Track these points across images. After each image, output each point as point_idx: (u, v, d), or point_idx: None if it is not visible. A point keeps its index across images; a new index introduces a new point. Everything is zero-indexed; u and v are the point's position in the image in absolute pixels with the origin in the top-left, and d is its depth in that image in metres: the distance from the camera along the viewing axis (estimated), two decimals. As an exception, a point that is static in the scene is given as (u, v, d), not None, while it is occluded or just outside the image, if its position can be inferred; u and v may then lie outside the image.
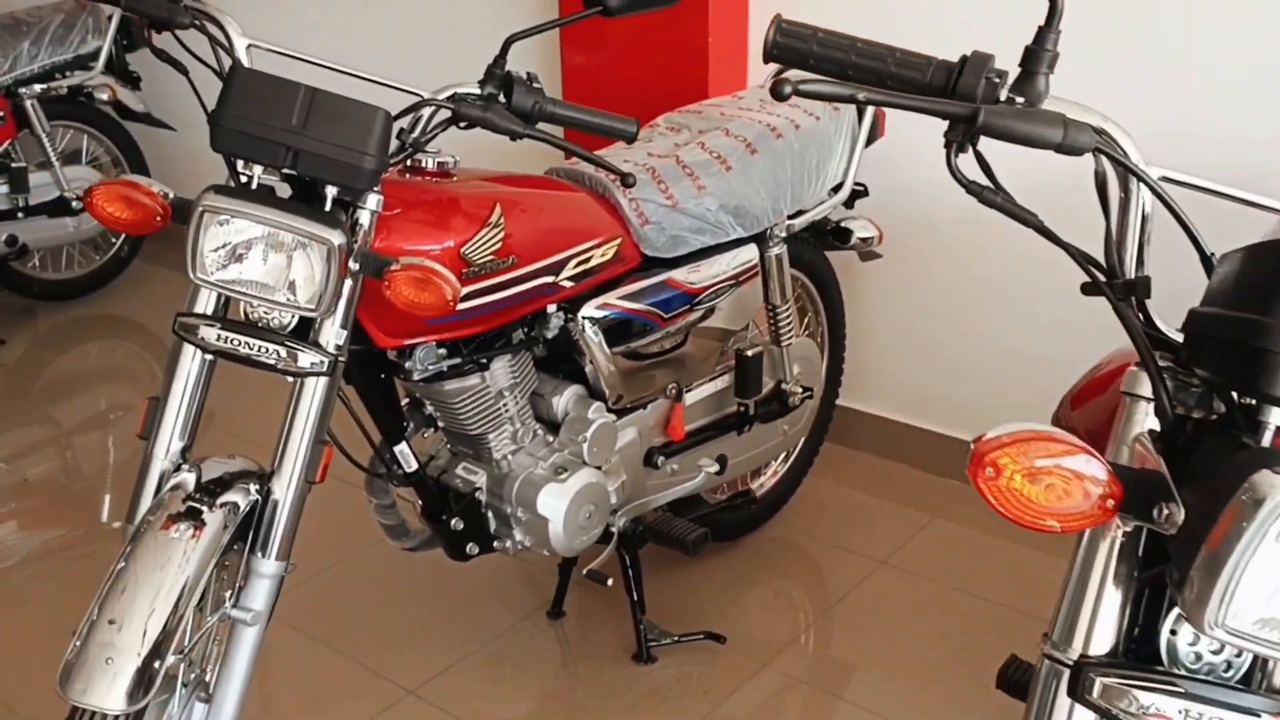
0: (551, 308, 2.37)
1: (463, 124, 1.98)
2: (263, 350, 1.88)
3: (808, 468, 3.29)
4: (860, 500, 3.41)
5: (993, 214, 3.23)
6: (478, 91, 1.99)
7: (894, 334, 3.49)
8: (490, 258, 2.14)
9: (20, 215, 4.44)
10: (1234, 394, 1.23)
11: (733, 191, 2.59)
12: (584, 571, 2.59)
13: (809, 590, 3.03)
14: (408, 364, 2.20)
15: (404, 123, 1.99)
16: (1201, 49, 2.80)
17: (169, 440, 1.95)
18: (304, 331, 1.91)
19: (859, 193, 2.98)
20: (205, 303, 1.95)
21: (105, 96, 4.52)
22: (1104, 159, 1.26)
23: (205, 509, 1.81)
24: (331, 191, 1.85)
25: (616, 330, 2.53)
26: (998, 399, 3.35)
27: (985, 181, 1.27)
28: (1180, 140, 2.78)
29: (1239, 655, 1.31)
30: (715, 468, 2.75)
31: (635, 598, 2.72)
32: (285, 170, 1.83)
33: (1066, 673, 1.33)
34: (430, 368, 2.23)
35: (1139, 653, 1.32)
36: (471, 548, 2.45)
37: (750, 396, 2.78)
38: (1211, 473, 1.14)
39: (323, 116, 1.79)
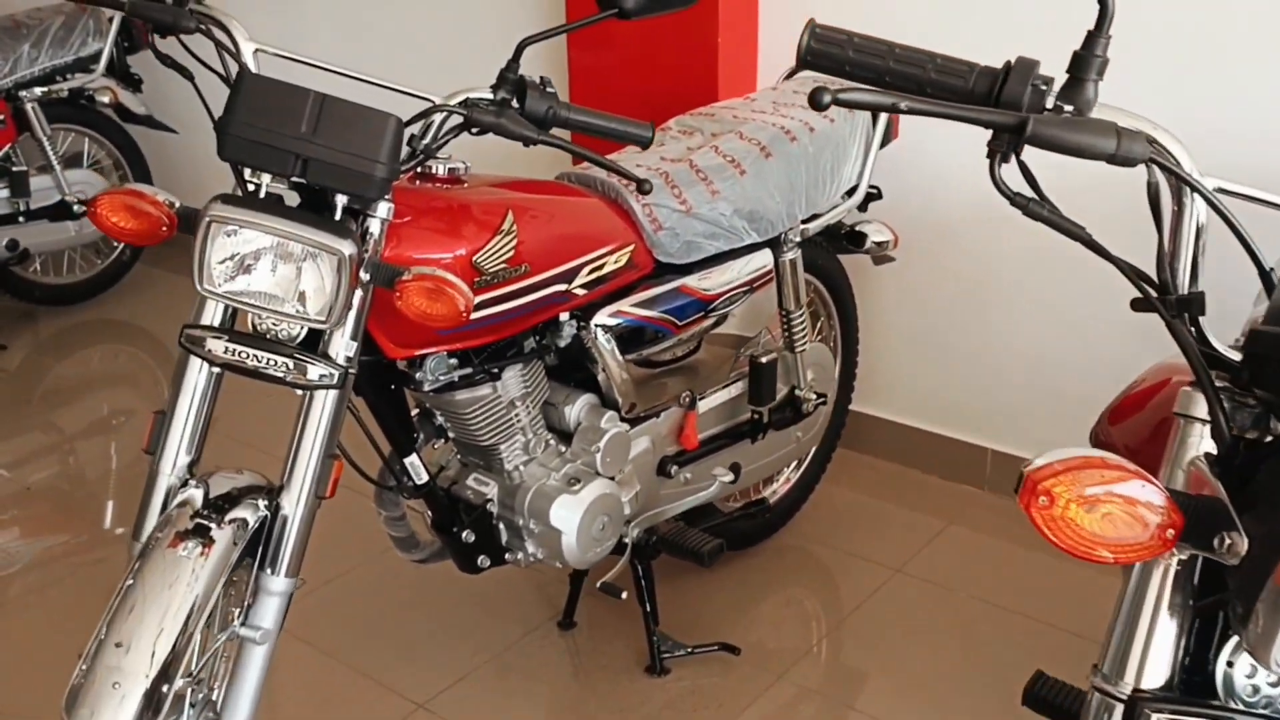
0: (564, 316, 2.33)
1: (475, 130, 1.93)
2: (271, 363, 1.84)
3: (820, 474, 3.25)
4: (874, 506, 3.36)
5: (1007, 215, 3.19)
6: (490, 96, 1.94)
7: (907, 338, 3.44)
8: (503, 266, 2.10)
9: (21, 219, 4.40)
10: None
11: (747, 196, 2.54)
12: (598, 584, 2.54)
13: (823, 599, 2.98)
14: (418, 374, 2.16)
15: (415, 129, 1.94)
16: (1232, 49, 2.75)
17: (175, 455, 1.91)
18: (313, 343, 1.87)
19: (873, 195, 2.93)
20: (212, 314, 1.91)
21: (106, 99, 4.48)
22: (1157, 170, 1.21)
23: (214, 526, 1.77)
24: (342, 200, 1.81)
25: (629, 337, 2.49)
26: (1012, 403, 3.31)
27: (1030, 193, 1.21)
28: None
29: None
30: (729, 477, 2.71)
31: (648, 609, 2.67)
32: (294, 179, 1.78)
33: (1119, 707, 1.28)
34: (441, 378, 2.18)
35: (1190, 682, 1.27)
36: (483, 560, 2.40)
37: (764, 404, 2.74)
38: (1277, 500, 1.09)
39: (333, 123, 1.75)
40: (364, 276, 1.83)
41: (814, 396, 2.89)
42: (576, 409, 2.43)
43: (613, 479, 2.41)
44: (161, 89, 4.67)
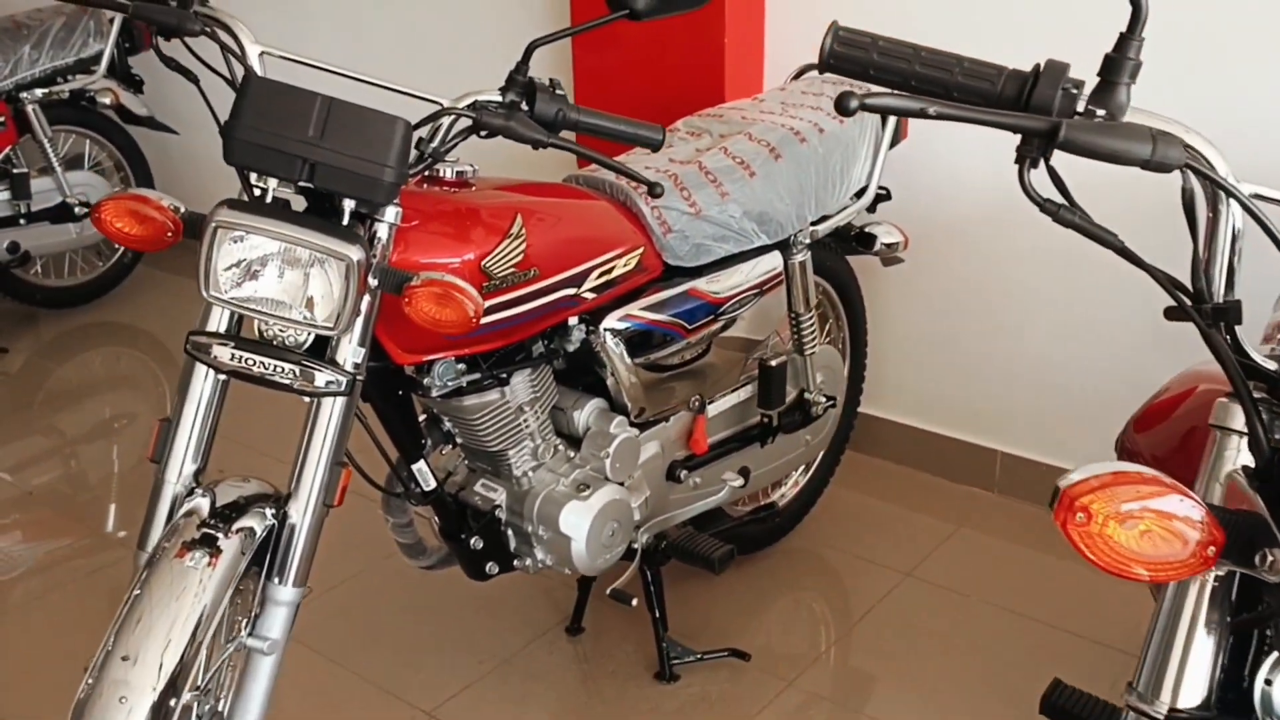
0: (573, 320, 2.30)
1: (484, 133, 1.91)
2: (278, 370, 1.81)
3: (829, 477, 3.22)
4: (883, 509, 3.34)
5: (1017, 216, 3.18)
6: (499, 99, 1.92)
7: (915, 339, 3.42)
8: (512, 270, 2.07)
9: (22, 221, 4.38)
10: None
11: (756, 198, 2.51)
12: (607, 591, 2.51)
13: (833, 604, 2.96)
14: (426, 380, 2.13)
15: (423, 132, 1.92)
16: (1233, 49, 2.73)
17: (181, 463, 1.89)
18: (320, 349, 1.84)
19: (882, 196, 2.91)
20: (217, 320, 1.88)
21: (108, 100, 4.46)
22: (1191, 175, 1.18)
23: (221, 536, 1.75)
24: (349, 205, 1.78)
25: (637, 341, 2.46)
26: (1022, 405, 3.28)
27: (1059, 199, 1.19)
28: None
29: None
30: (739, 481, 2.68)
31: (657, 615, 2.65)
32: (301, 183, 1.76)
33: None
34: (449, 383, 2.16)
35: (1226, 700, 1.24)
36: (491, 567, 2.38)
37: (774, 407, 2.71)
38: None
39: (341, 127, 1.72)
40: (372, 282, 1.81)
41: (823, 399, 2.87)
42: (585, 414, 2.40)
43: (622, 484, 2.39)
44: (162, 90, 4.64)
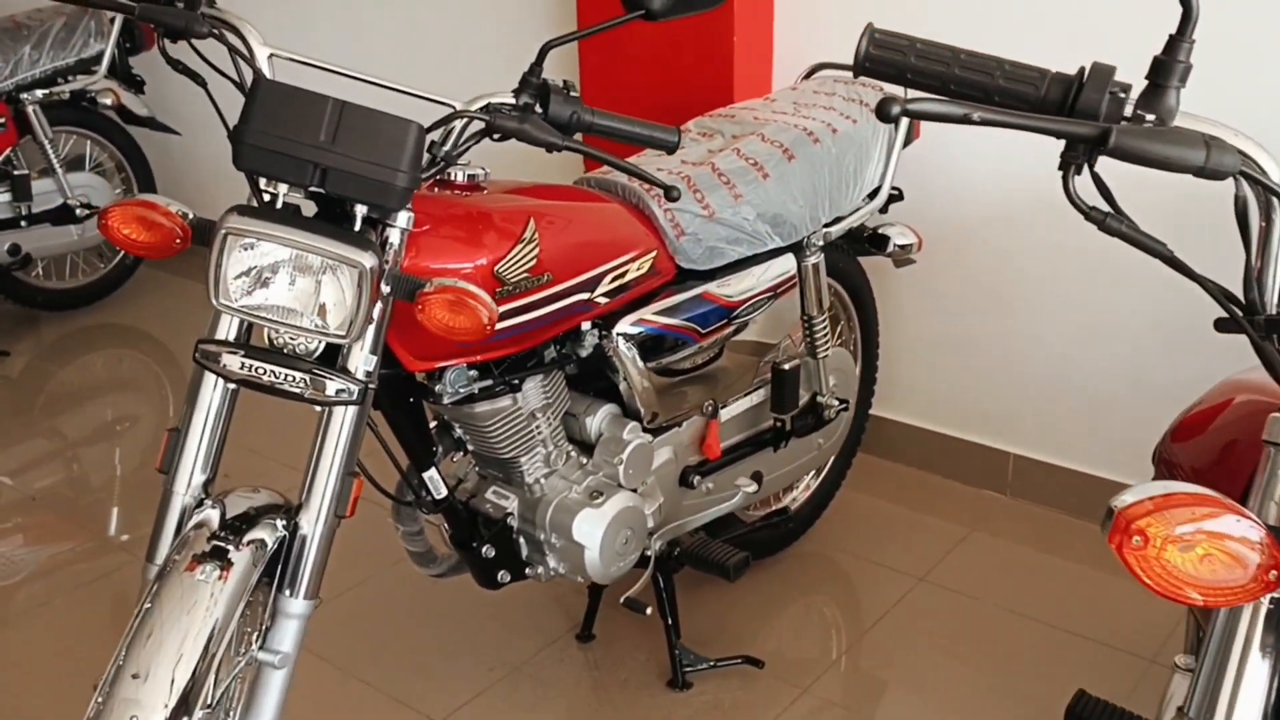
0: (586, 325, 2.26)
1: (497, 136, 1.87)
2: (288, 379, 1.77)
3: (841, 480, 3.19)
4: (895, 513, 3.31)
5: (1030, 217, 3.14)
6: (512, 101, 1.88)
7: (927, 340, 3.38)
8: (525, 276, 2.04)
9: (23, 224, 4.35)
10: None
11: (770, 200, 2.48)
12: (621, 600, 2.48)
13: (846, 610, 2.92)
14: (437, 387, 2.10)
15: (435, 135, 1.88)
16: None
17: (190, 474, 1.85)
18: (331, 357, 1.81)
19: (894, 197, 2.87)
20: (226, 328, 1.84)
21: (109, 101, 4.42)
22: (1244, 183, 1.15)
23: (232, 548, 1.71)
24: (361, 210, 1.74)
25: (649, 345, 2.43)
26: (1035, 407, 3.25)
27: (1105, 207, 1.15)
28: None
29: None
30: (753, 487, 2.65)
31: (670, 622, 2.61)
32: (312, 188, 1.72)
33: None
34: (461, 390, 2.12)
35: (1275, 723, 1.21)
36: (503, 575, 2.34)
37: (787, 411, 2.68)
38: None
39: (353, 131, 1.68)
40: (384, 289, 1.77)
41: (836, 403, 2.84)
42: (598, 420, 2.37)
43: (635, 491, 2.35)
44: (164, 90, 4.61)
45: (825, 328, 2.73)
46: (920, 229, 2.96)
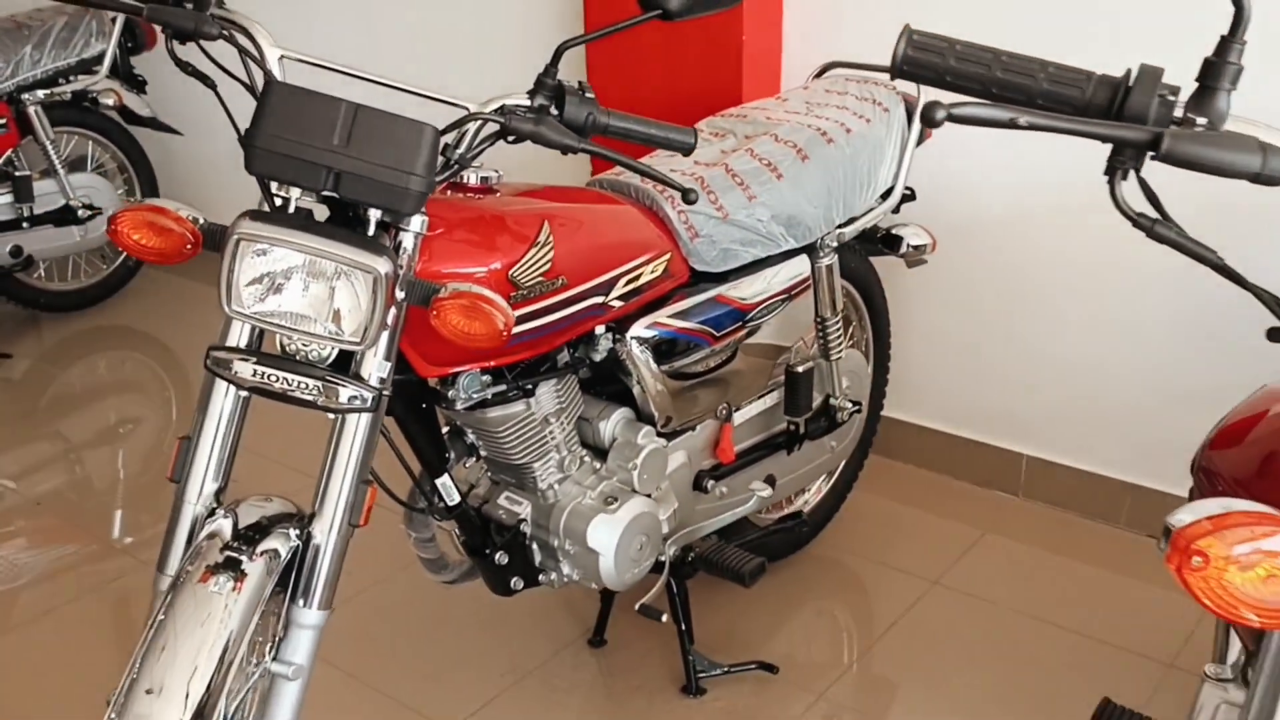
0: (599, 329, 2.23)
1: (511, 138, 1.84)
2: (301, 386, 1.74)
3: (852, 483, 3.16)
4: (907, 515, 3.28)
5: (1043, 216, 3.11)
6: (527, 103, 1.84)
7: (939, 341, 3.36)
8: (539, 279, 2.01)
9: (25, 225, 4.31)
10: None
11: (784, 200, 2.45)
12: (635, 607, 2.45)
13: (860, 614, 2.90)
14: (450, 393, 2.07)
15: (448, 138, 1.84)
16: None
17: (201, 483, 1.82)
18: (344, 364, 1.78)
19: (907, 197, 2.84)
20: (238, 335, 1.81)
21: (110, 101, 4.39)
22: None
23: (245, 558, 1.68)
24: (375, 215, 1.71)
25: (663, 349, 2.40)
26: (1048, 408, 3.22)
27: (1153, 213, 1.12)
28: None
29: None
30: (768, 491, 2.62)
31: (683, 627, 2.58)
32: (325, 192, 1.69)
33: None
34: (474, 396, 2.09)
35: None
36: (516, 582, 2.32)
37: (801, 414, 2.65)
38: None
39: (367, 135, 1.65)
40: (399, 294, 1.74)
41: (849, 405, 2.81)
42: (611, 424, 2.34)
43: (650, 496, 2.33)
44: (166, 90, 4.58)
45: (839, 329, 2.70)
46: (932, 229, 2.93)
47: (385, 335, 1.76)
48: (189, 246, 1.79)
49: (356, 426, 1.78)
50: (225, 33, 1.85)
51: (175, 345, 4.57)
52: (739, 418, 2.57)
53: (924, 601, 2.91)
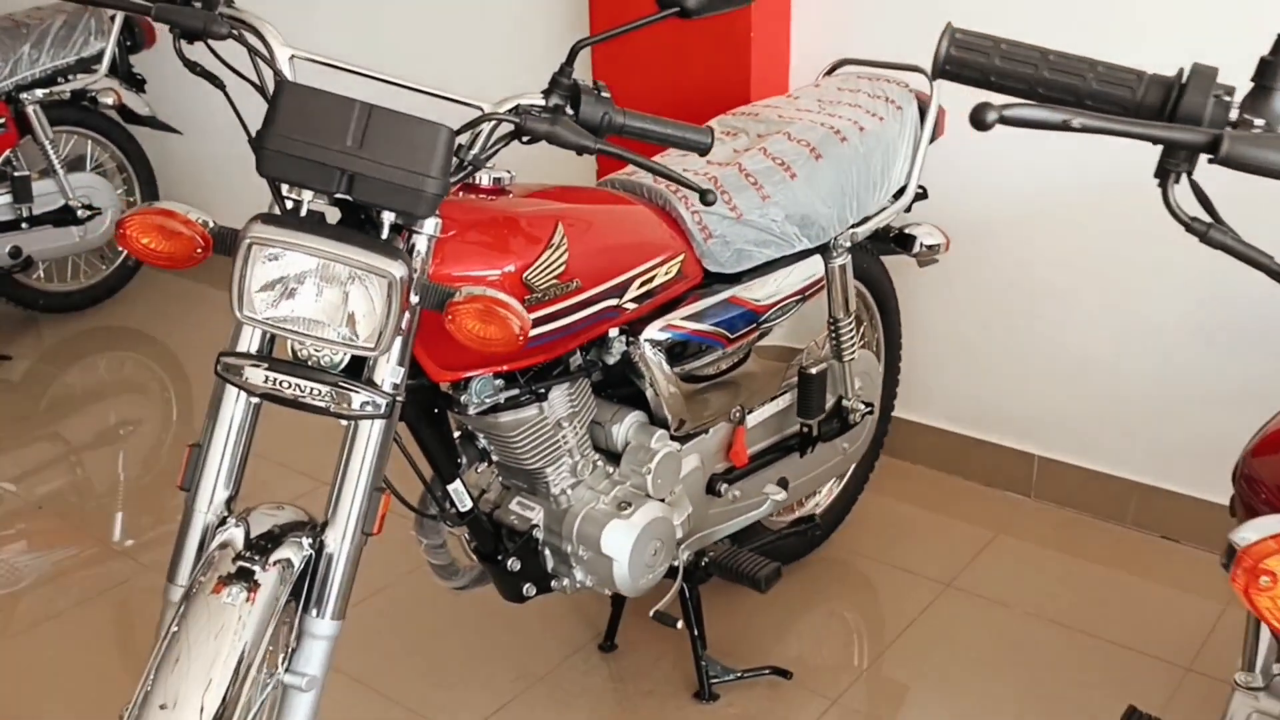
0: (613, 332, 2.20)
1: (526, 139, 1.80)
2: (313, 392, 1.71)
3: (863, 484, 3.13)
4: (919, 516, 3.25)
5: (1056, 214, 3.08)
6: (542, 103, 1.81)
7: (950, 341, 3.33)
8: (554, 282, 1.98)
9: (24, 225, 4.27)
10: None
11: (798, 200, 2.42)
12: (650, 613, 2.42)
13: (873, 617, 2.87)
14: (463, 397, 2.04)
15: (462, 139, 1.81)
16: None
17: (212, 491, 1.78)
18: (356, 369, 1.75)
19: (919, 195, 2.81)
20: (248, 340, 1.78)
21: (110, 100, 4.35)
22: None
23: (258, 569, 1.65)
24: (389, 218, 1.68)
25: (676, 351, 2.37)
26: (1059, 408, 3.20)
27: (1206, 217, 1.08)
28: None
29: None
30: (782, 494, 2.59)
31: (696, 633, 2.55)
32: (338, 195, 1.65)
33: None
34: (487, 400, 2.06)
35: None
36: (528, 589, 2.28)
37: (814, 416, 2.62)
38: None
39: (381, 136, 1.62)
40: (413, 299, 1.71)
41: (862, 406, 2.78)
42: (624, 428, 2.31)
43: (663, 501, 2.29)
44: (165, 89, 4.54)
45: (852, 330, 2.67)
46: (942, 226, 2.90)
47: (399, 340, 1.72)
48: (199, 250, 1.75)
49: (369, 433, 1.75)
50: (234, 32, 1.81)
51: (175, 346, 4.54)
52: (752, 420, 2.54)
53: (937, 604, 2.88)
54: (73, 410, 4.05)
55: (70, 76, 4.28)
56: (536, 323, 1.96)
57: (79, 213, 4.36)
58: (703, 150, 1.85)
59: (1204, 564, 2.99)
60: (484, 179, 1.98)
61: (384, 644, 2.77)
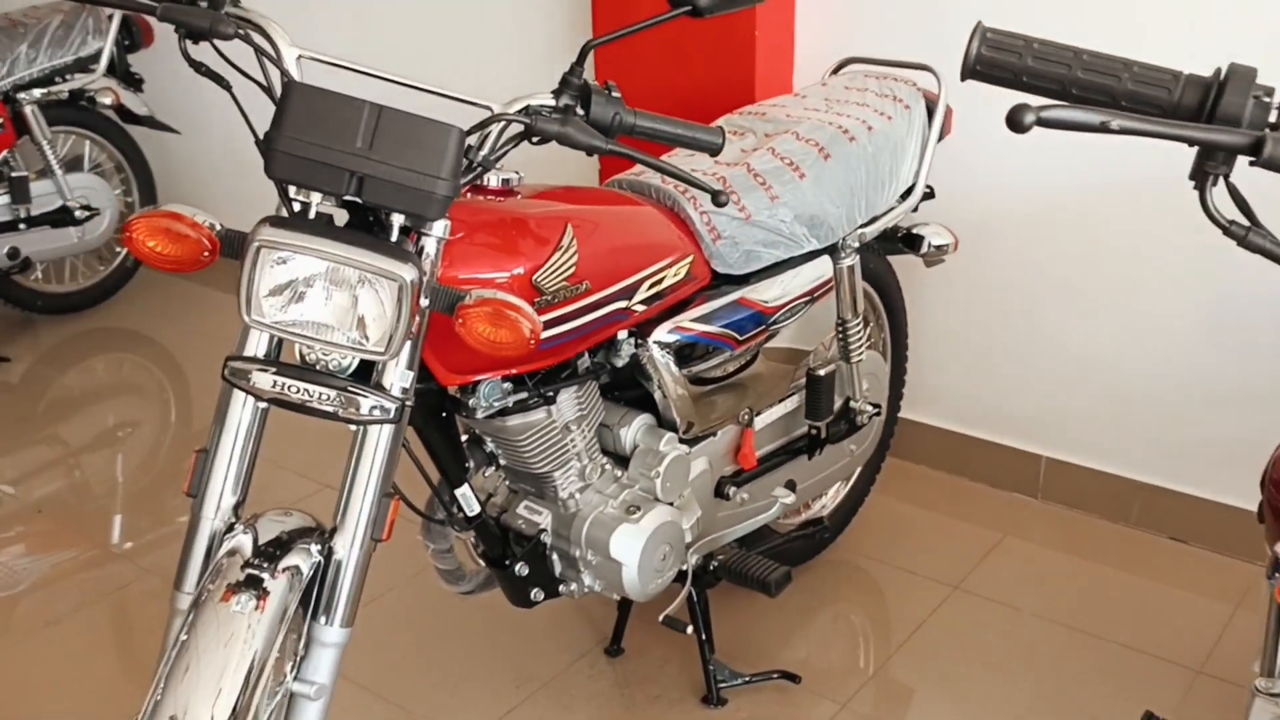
0: (622, 334, 2.18)
1: (536, 139, 1.78)
2: (322, 396, 1.68)
3: (870, 486, 3.11)
4: (925, 517, 3.23)
5: (1062, 213, 3.06)
6: (552, 103, 1.79)
7: (955, 341, 3.31)
8: (564, 284, 1.95)
9: (22, 226, 4.25)
10: None
11: (807, 201, 2.40)
12: (660, 619, 2.40)
13: (882, 620, 2.85)
14: (470, 401, 2.01)
15: (471, 139, 1.78)
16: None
17: (219, 497, 1.75)
18: (365, 373, 1.72)
19: (926, 195, 2.79)
20: (256, 344, 1.75)
21: (108, 100, 4.33)
22: None
23: (267, 576, 1.62)
24: (398, 220, 1.65)
25: (683, 352, 2.35)
26: (1066, 408, 3.18)
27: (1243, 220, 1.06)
28: None
29: None
30: (791, 497, 2.57)
31: (704, 637, 2.53)
32: (346, 197, 1.63)
33: None
34: (495, 404, 2.04)
35: None
36: (536, 594, 2.26)
37: (822, 418, 2.60)
38: None
39: (391, 137, 1.59)
40: (423, 302, 1.69)
41: (869, 408, 2.76)
42: (633, 431, 2.29)
43: (672, 504, 2.27)
44: (163, 89, 4.51)
45: (859, 331, 2.65)
46: (947, 225, 2.88)
47: (408, 344, 1.70)
48: (206, 254, 1.72)
49: (378, 438, 1.72)
50: (241, 32, 1.78)
51: (174, 347, 4.51)
52: (760, 422, 2.52)
53: (946, 607, 2.86)
54: (71, 412, 4.02)
55: (68, 76, 4.26)
56: (546, 325, 1.93)
57: (77, 213, 4.34)
58: (714, 151, 1.83)
59: (1214, 565, 2.98)
60: (492, 180, 1.96)
61: (387, 648, 2.74)
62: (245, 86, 1.83)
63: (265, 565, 1.64)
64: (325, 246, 1.60)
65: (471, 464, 2.18)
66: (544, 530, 2.23)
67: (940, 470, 3.41)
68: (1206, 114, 1.05)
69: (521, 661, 2.69)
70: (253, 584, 1.61)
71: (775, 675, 2.60)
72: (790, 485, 2.62)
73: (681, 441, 2.31)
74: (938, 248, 2.75)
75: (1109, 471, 3.16)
